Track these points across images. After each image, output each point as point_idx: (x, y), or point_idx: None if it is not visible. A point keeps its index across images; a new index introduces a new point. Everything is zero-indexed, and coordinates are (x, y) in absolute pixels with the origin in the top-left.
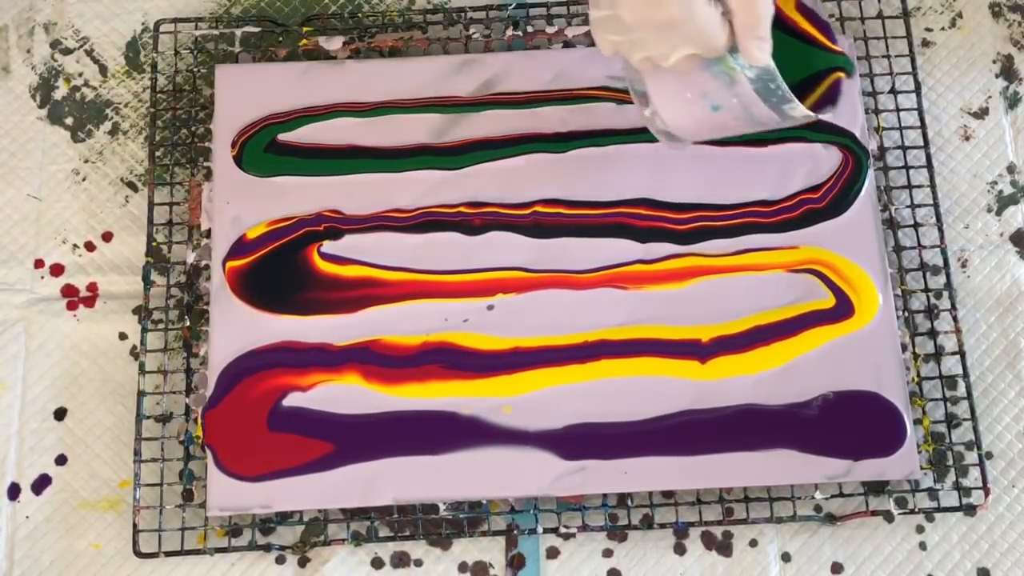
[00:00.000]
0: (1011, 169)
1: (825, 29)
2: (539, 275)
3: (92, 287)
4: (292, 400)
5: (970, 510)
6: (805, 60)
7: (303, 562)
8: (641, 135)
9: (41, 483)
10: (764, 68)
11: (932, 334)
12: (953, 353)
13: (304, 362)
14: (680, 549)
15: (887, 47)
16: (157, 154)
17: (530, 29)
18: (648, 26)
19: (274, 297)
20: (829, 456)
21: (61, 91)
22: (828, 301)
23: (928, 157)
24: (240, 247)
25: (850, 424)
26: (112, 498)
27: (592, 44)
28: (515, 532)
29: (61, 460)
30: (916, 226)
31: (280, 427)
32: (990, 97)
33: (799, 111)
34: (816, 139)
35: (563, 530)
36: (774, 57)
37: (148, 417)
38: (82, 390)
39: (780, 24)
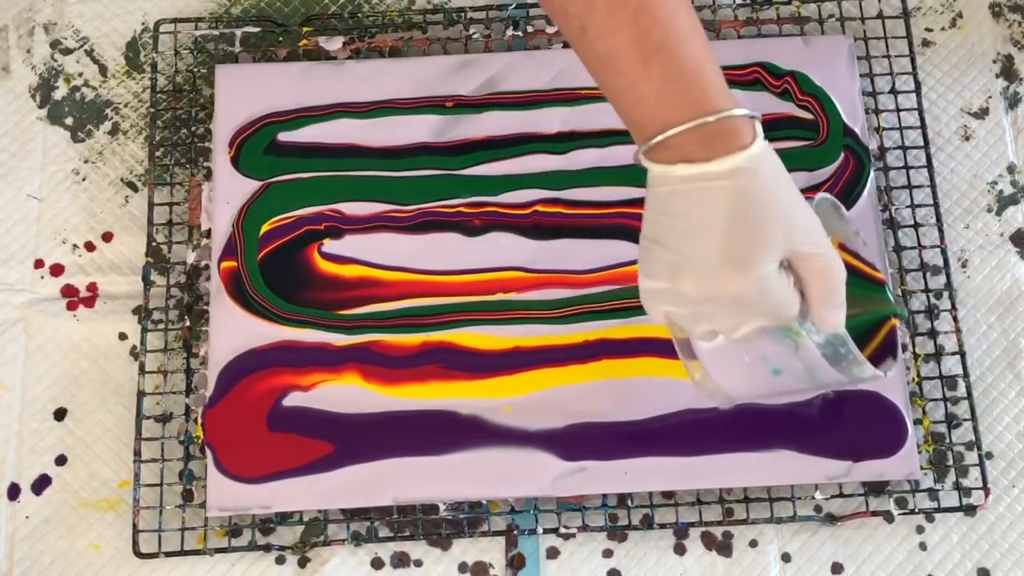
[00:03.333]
0: (1011, 169)
1: (872, 265)
2: (539, 275)
3: (92, 287)
4: (292, 400)
5: (970, 510)
6: (861, 304)
7: (303, 562)
8: None
9: (41, 483)
10: (835, 334)
11: (932, 334)
12: (953, 353)
13: (304, 362)
14: (680, 549)
15: (887, 47)
16: (157, 154)
17: (530, 29)
18: (715, 301)
19: (274, 297)
20: (829, 456)
21: (61, 91)
22: None
23: (928, 157)
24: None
25: (850, 424)
26: (112, 498)
27: None
28: (515, 532)
29: (61, 460)
30: (916, 226)
31: (280, 427)
32: (990, 97)
33: (868, 372)
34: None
35: (563, 530)
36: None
37: (148, 417)
38: (82, 390)
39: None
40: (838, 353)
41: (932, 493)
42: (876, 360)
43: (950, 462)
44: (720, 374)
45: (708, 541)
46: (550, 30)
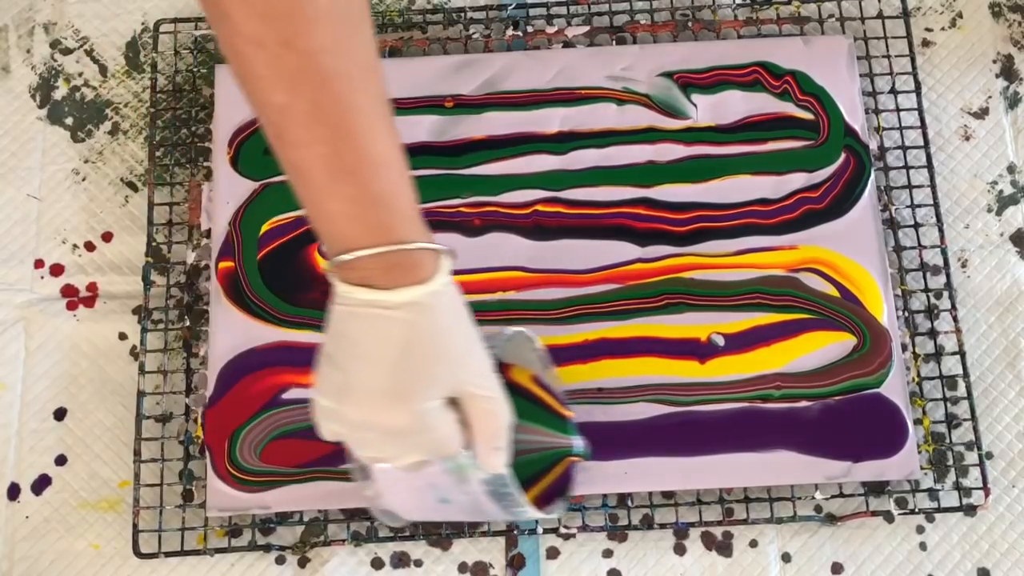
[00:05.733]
0: (1011, 169)
1: (562, 401)
2: (539, 275)
3: (92, 287)
4: (292, 399)
5: (970, 510)
6: (544, 439)
7: (303, 562)
8: (641, 135)
9: (41, 483)
10: (499, 474)
11: (932, 334)
12: (953, 353)
13: (303, 361)
14: (680, 549)
15: (887, 47)
16: (157, 154)
17: (530, 29)
18: (375, 430)
19: (273, 297)
20: (829, 457)
21: (61, 91)
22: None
23: (928, 157)
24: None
25: (850, 424)
26: (112, 498)
27: (592, 44)
28: (515, 532)
29: (61, 460)
30: (916, 226)
31: None
32: (990, 97)
33: (528, 514)
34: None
35: (563, 530)
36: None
37: (148, 417)
38: (82, 390)
39: (520, 392)
40: (499, 492)
41: (932, 493)
42: (548, 498)
43: (950, 462)
44: (391, 496)
45: (708, 541)
46: (550, 30)
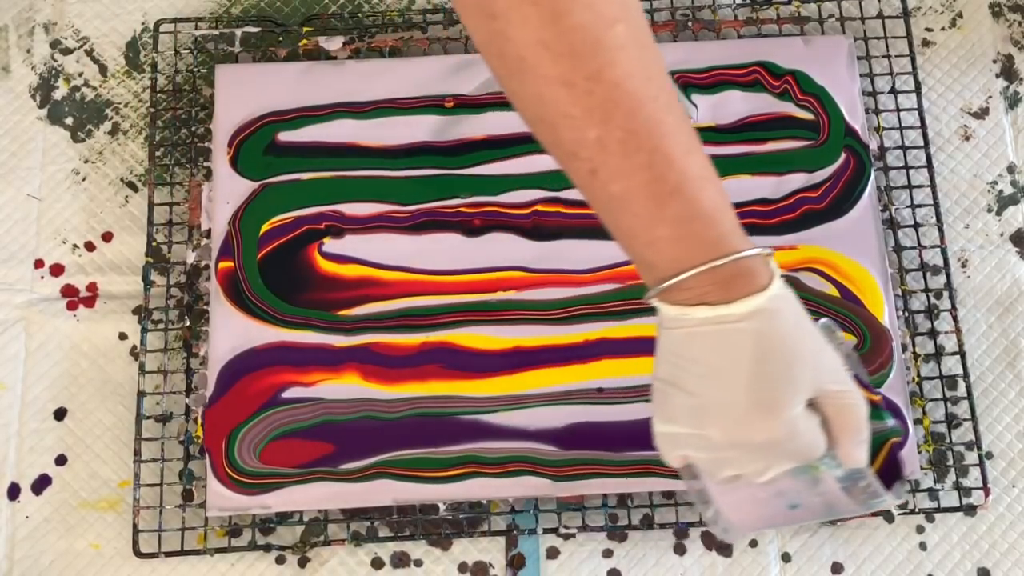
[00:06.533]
0: (1011, 169)
1: (868, 386)
2: (539, 275)
3: (92, 287)
4: (291, 398)
5: (970, 510)
6: None
7: (303, 562)
8: None
9: (41, 483)
10: (857, 468)
11: (932, 334)
12: (953, 353)
13: (303, 361)
14: (680, 549)
15: (887, 47)
16: (157, 154)
17: None
18: (742, 447)
19: (273, 297)
20: None
21: (61, 91)
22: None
23: (928, 157)
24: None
25: None
26: (112, 498)
27: None
28: (515, 532)
29: (61, 460)
30: (916, 226)
31: None
32: (990, 97)
33: (886, 501)
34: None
35: (563, 530)
36: None
37: (148, 417)
38: (82, 390)
39: None
40: (856, 485)
41: (932, 493)
42: (885, 482)
43: (950, 462)
44: (735, 512)
45: (708, 541)
46: None
